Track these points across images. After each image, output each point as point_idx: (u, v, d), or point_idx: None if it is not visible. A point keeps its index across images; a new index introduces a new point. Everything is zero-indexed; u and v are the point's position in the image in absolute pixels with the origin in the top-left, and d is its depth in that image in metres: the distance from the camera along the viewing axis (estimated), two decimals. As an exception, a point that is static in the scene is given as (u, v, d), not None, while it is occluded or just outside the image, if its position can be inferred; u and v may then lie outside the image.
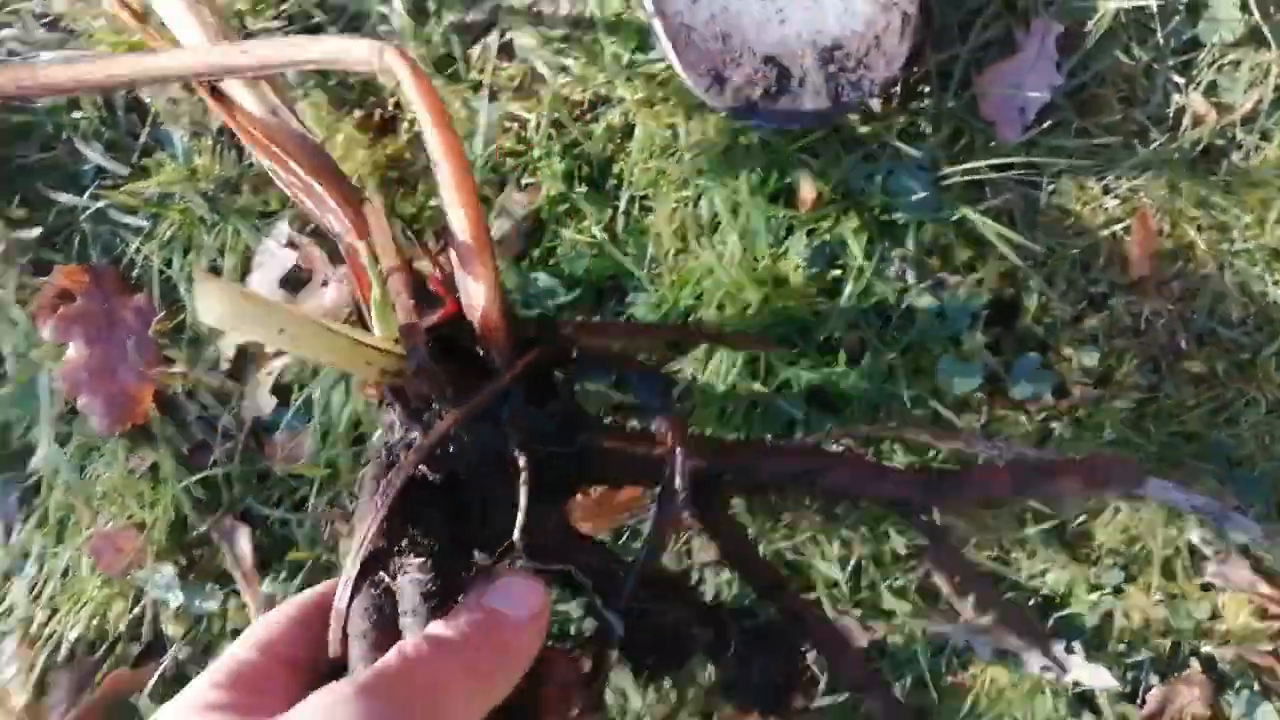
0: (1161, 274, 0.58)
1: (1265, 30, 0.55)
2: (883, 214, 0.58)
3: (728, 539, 0.41)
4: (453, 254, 0.37)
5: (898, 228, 0.58)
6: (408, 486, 0.34)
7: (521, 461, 0.35)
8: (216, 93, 0.41)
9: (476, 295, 0.37)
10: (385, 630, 0.33)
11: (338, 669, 0.33)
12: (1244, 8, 0.56)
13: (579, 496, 0.42)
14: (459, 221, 0.36)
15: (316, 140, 0.41)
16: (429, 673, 0.30)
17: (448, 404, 0.36)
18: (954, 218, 0.57)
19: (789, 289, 0.57)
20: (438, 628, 0.32)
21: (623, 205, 0.58)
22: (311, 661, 0.33)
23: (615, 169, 0.58)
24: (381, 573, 0.33)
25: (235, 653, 0.32)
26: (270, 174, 0.40)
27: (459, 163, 0.36)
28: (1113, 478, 0.39)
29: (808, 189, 0.57)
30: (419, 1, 0.59)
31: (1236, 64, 0.57)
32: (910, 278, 0.58)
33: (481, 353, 0.37)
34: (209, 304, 0.30)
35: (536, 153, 0.58)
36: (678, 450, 0.37)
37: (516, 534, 0.34)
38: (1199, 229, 0.58)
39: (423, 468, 0.35)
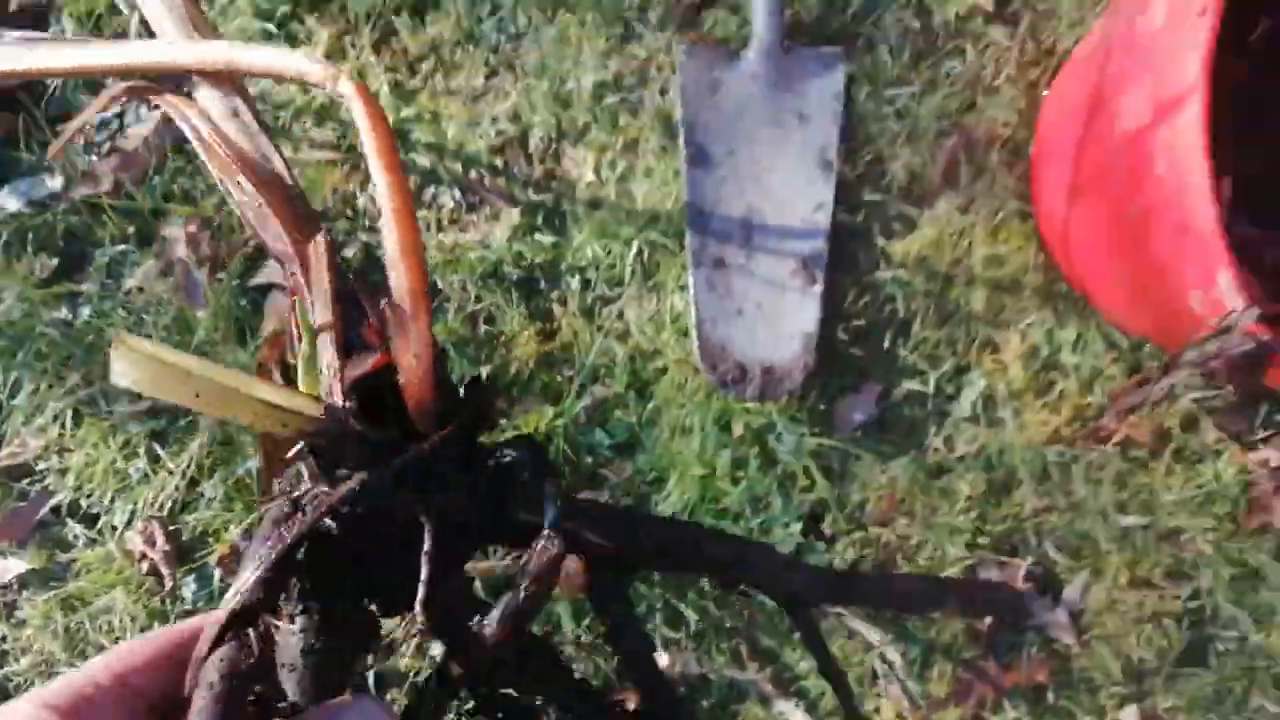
0: (889, 518, 1.15)
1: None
2: (772, 451, 1.15)
3: (618, 619, 0.40)
4: (389, 306, 0.35)
5: (780, 460, 1.15)
6: (300, 540, 0.33)
7: (428, 529, 0.34)
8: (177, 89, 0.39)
9: (407, 353, 0.35)
10: (235, 684, 0.31)
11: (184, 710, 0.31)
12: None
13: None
14: (399, 275, 0.35)
15: (276, 157, 0.38)
16: None
17: (362, 463, 0.34)
18: (803, 463, 1.14)
19: (716, 476, 1.14)
20: None
21: (649, 406, 1.16)
22: (168, 699, 0.31)
23: (650, 390, 1.16)
24: (249, 628, 0.32)
25: (88, 672, 0.31)
26: (220, 187, 0.38)
27: (406, 211, 0.34)
28: (992, 604, 0.43)
29: (739, 428, 1.15)
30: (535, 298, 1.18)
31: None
32: (775, 489, 1.15)
33: (406, 410, 0.36)
34: (124, 367, 0.30)
35: (619, 373, 1.16)
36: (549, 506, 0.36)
37: (418, 607, 0.33)
38: (917, 498, 1.16)
39: (325, 521, 0.34)
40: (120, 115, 1.21)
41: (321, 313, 0.36)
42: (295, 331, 0.37)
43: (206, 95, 0.39)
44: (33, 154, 1.21)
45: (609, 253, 1.18)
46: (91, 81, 1.23)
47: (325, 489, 0.34)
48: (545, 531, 0.36)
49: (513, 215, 1.19)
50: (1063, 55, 1.12)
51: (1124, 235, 0.92)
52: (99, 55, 0.39)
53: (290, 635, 0.33)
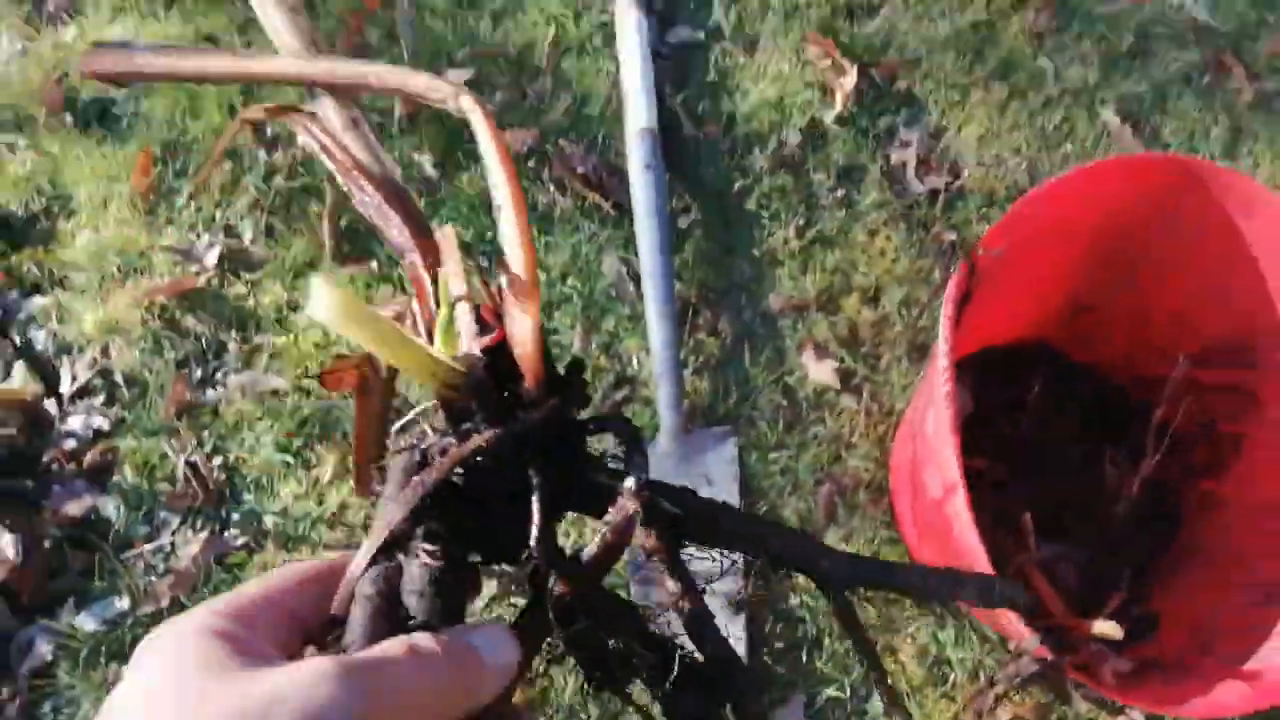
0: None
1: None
2: None
3: (683, 580, 0.44)
4: (505, 288, 0.40)
5: None
6: (443, 480, 0.37)
7: (537, 482, 0.39)
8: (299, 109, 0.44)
9: (521, 328, 0.40)
10: (388, 598, 0.36)
11: (327, 629, 0.36)
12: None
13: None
14: (515, 259, 0.40)
15: (389, 162, 0.44)
16: (403, 674, 0.32)
17: (485, 421, 0.39)
18: None
19: None
20: (423, 639, 0.34)
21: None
22: (309, 616, 0.36)
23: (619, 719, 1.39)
24: (398, 552, 0.37)
25: (245, 589, 0.36)
26: (345, 190, 0.43)
27: (520, 207, 0.40)
28: (1005, 595, 0.46)
29: None
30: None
31: None
32: None
33: (516, 382, 0.41)
34: (320, 304, 0.34)
35: (591, 710, 1.40)
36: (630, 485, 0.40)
37: (533, 543, 0.38)
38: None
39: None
40: (173, 542, 1.52)
41: (456, 286, 0.41)
42: (412, 317, 0.41)
43: (329, 108, 0.45)
44: (104, 581, 1.50)
45: (572, 603, 1.45)
46: (150, 513, 1.54)
47: (453, 441, 0.39)
48: (629, 486, 0.40)
49: (490, 585, 1.47)
50: (899, 414, 1.44)
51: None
52: (247, 65, 0.45)
53: (419, 567, 0.37)
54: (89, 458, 1.52)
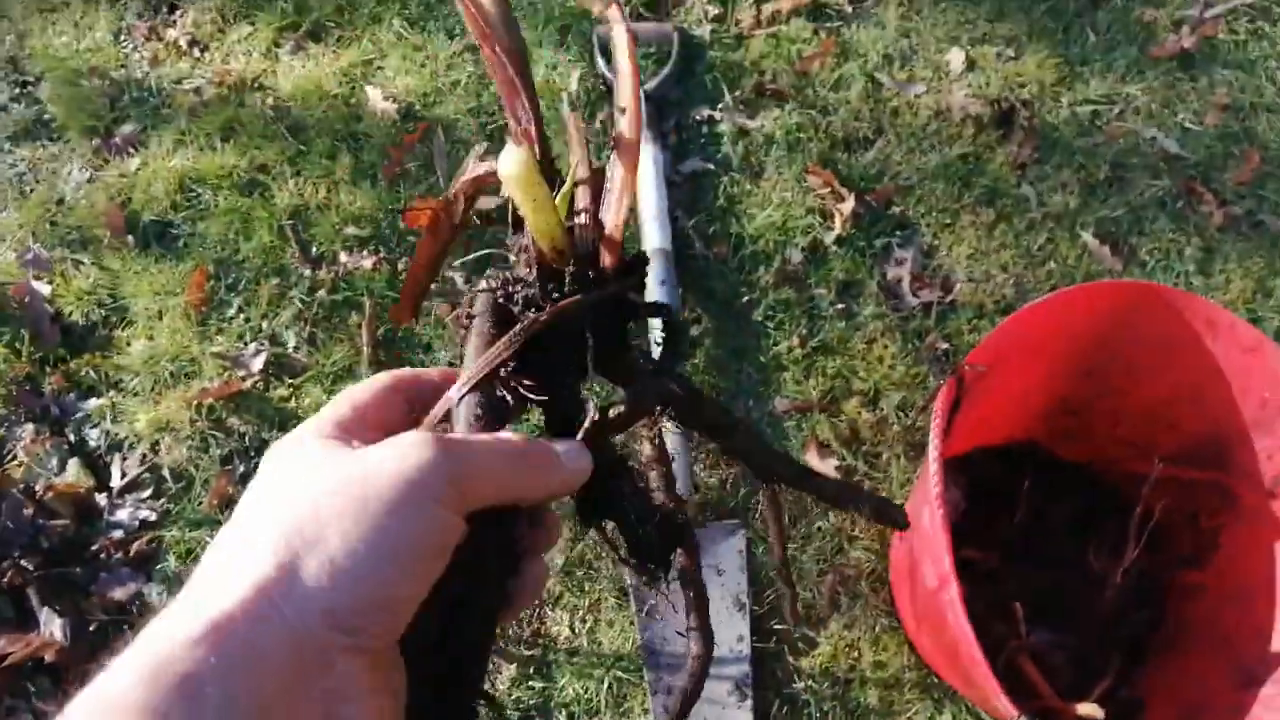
0: None
1: None
2: None
3: (661, 449, 0.52)
4: (607, 185, 0.47)
5: None
6: (537, 331, 0.44)
7: (590, 340, 0.46)
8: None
9: (615, 217, 0.46)
10: (486, 414, 0.43)
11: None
12: None
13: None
14: (624, 160, 0.47)
15: (523, 44, 0.50)
16: (489, 451, 0.40)
17: (575, 284, 0.45)
18: None
19: None
20: (507, 434, 0.42)
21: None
22: (388, 426, 0.43)
23: None
24: (498, 385, 0.44)
25: (338, 404, 0.43)
26: (484, 59, 0.49)
27: (636, 104, 0.47)
28: (889, 515, 0.55)
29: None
30: None
31: None
32: None
33: (599, 263, 0.46)
34: (509, 162, 0.42)
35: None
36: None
37: (590, 369, 0.46)
38: None
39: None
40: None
41: (581, 170, 0.48)
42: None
43: None
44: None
45: (586, 690, 1.51)
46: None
47: (537, 291, 0.46)
48: (660, 372, 0.49)
49: (510, 669, 1.54)
50: (897, 508, 1.53)
51: (948, 655, 1.26)
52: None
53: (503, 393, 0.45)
54: (135, 547, 1.61)
